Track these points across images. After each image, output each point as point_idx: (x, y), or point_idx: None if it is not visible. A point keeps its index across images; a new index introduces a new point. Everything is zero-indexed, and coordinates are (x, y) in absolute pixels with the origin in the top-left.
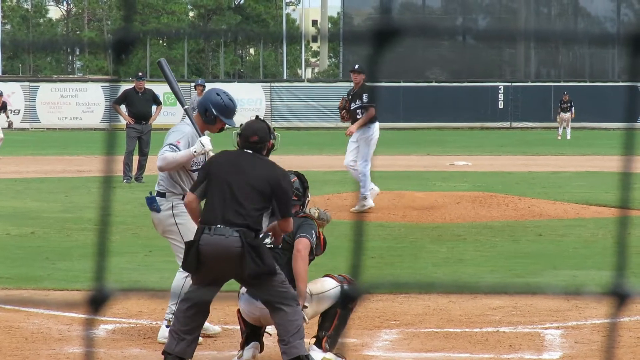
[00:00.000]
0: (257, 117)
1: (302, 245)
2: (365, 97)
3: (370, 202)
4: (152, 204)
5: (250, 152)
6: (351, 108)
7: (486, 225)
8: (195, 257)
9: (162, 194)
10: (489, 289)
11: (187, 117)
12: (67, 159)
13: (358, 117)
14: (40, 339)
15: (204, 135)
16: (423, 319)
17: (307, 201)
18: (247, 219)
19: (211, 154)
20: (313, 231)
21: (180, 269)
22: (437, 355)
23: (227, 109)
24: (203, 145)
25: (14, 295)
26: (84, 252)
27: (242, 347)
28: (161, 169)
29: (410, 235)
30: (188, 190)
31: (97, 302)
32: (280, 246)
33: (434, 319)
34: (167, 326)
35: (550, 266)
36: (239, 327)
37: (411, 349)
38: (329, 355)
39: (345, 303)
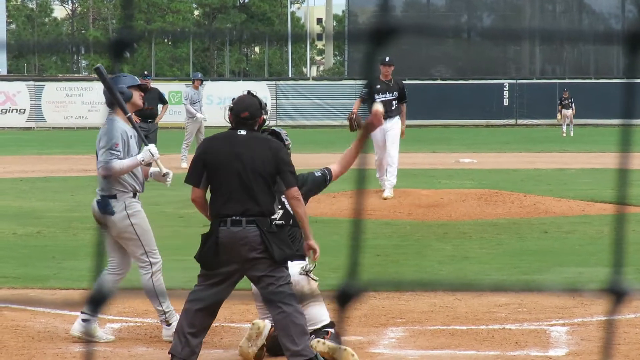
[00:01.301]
0: (248, 92)
1: (294, 192)
2: (404, 92)
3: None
4: (106, 207)
5: (243, 132)
6: (380, 99)
7: (492, 222)
8: (213, 249)
9: (112, 196)
10: (489, 287)
11: (111, 114)
12: (72, 158)
13: (393, 108)
14: (47, 338)
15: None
16: (429, 316)
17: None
18: (261, 206)
19: (159, 162)
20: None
21: (143, 272)
22: (443, 353)
23: (129, 76)
24: (152, 155)
25: (20, 294)
26: (89, 252)
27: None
28: (105, 177)
29: (415, 233)
30: (189, 183)
31: (96, 302)
32: (291, 222)
33: (440, 316)
34: (167, 325)
35: (556, 263)
36: (246, 325)
37: (417, 346)
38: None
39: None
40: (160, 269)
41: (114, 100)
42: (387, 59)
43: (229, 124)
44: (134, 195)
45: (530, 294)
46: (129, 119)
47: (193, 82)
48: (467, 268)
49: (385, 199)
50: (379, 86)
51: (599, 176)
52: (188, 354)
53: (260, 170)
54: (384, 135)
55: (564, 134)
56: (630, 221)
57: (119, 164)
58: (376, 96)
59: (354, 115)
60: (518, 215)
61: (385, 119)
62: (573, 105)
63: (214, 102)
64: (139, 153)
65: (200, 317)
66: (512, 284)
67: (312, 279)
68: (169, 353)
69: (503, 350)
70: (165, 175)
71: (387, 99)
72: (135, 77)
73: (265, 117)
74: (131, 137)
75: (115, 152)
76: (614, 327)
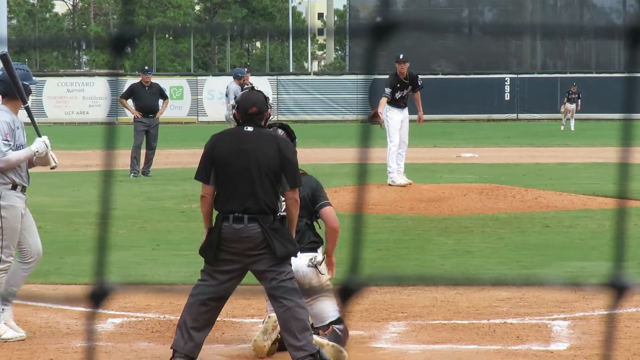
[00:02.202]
0: (252, 87)
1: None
2: (420, 81)
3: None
4: None
5: (250, 129)
6: (402, 95)
7: (493, 217)
8: (215, 244)
9: None
10: (489, 281)
11: (3, 105)
12: (74, 153)
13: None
14: (48, 333)
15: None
16: (430, 311)
17: None
18: (263, 204)
19: (51, 153)
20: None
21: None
22: (445, 347)
23: (28, 73)
24: (46, 146)
25: (21, 289)
26: (91, 247)
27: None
28: (2, 169)
29: (417, 227)
30: (198, 180)
31: (97, 297)
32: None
33: (442, 311)
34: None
35: (557, 258)
36: (248, 320)
37: (419, 340)
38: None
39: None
40: (5, 271)
41: (15, 90)
42: (401, 56)
43: (235, 122)
44: (14, 188)
45: (532, 288)
46: (27, 109)
47: (240, 78)
48: (468, 262)
49: (410, 184)
50: (398, 85)
51: (601, 170)
52: (190, 349)
53: (265, 168)
54: (402, 122)
55: (563, 127)
56: (632, 215)
57: (15, 155)
58: (397, 94)
59: (377, 113)
60: (519, 210)
61: (402, 108)
62: (579, 100)
63: (215, 97)
64: (25, 144)
65: (204, 312)
66: (514, 279)
67: (320, 272)
68: (171, 348)
69: (504, 345)
70: (52, 166)
71: (405, 94)
72: (30, 73)
73: (270, 111)
74: (17, 128)
75: (8, 143)
76: (615, 321)
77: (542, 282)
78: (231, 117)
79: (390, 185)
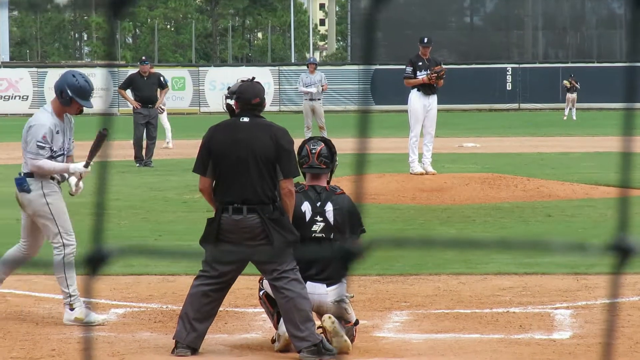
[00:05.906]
0: (253, 78)
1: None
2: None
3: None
4: (22, 184)
5: (246, 119)
6: (422, 76)
7: (495, 206)
8: (214, 236)
9: (30, 175)
10: (491, 245)
11: (47, 104)
12: (75, 144)
13: (435, 85)
14: (51, 323)
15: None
16: (433, 300)
17: (334, 167)
18: (261, 194)
19: (82, 180)
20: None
21: (56, 252)
22: (448, 336)
23: (83, 90)
24: (81, 176)
25: (24, 280)
26: (92, 238)
27: (277, 326)
28: (34, 173)
29: (419, 217)
30: (196, 172)
31: (94, 262)
32: (324, 235)
33: (444, 300)
34: (71, 309)
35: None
36: (250, 310)
37: (421, 330)
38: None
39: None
40: (73, 253)
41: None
42: (425, 40)
43: (228, 113)
44: (52, 179)
45: (534, 277)
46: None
47: (308, 67)
48: (470, 252)
49: (434, 174)
50: (420, 63)
51: (603, 160)
52: (193, 340)
53: (261, 157)
54: (425, 112)
55: (565, 117)
56: (635, 204)
57: (49, 165)
58: (418, 73)
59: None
60: (522, 199)
61: (428, 95)
62: (576, 92)
63: (217, 87)
64: (67, 149)
65: (205, 303)
66: (509, 242)
67: (347, 311)
68: (173, 339)
69: (507, 334)
70: (76, 188)
71: (429, 76)
72: (89, 90)
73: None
74: (57, 132)
75: (43, 146)
76: (618, 310)
77: (548, 247)
78: (224, 108)
79: (411, 174)
